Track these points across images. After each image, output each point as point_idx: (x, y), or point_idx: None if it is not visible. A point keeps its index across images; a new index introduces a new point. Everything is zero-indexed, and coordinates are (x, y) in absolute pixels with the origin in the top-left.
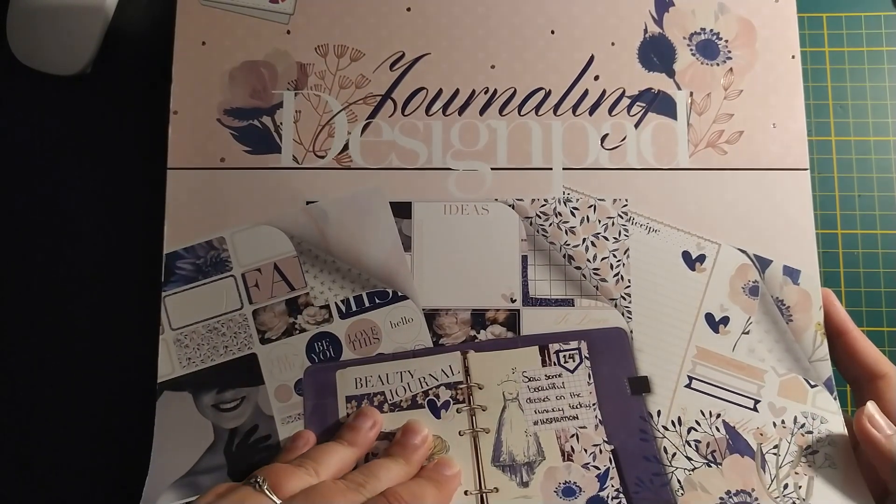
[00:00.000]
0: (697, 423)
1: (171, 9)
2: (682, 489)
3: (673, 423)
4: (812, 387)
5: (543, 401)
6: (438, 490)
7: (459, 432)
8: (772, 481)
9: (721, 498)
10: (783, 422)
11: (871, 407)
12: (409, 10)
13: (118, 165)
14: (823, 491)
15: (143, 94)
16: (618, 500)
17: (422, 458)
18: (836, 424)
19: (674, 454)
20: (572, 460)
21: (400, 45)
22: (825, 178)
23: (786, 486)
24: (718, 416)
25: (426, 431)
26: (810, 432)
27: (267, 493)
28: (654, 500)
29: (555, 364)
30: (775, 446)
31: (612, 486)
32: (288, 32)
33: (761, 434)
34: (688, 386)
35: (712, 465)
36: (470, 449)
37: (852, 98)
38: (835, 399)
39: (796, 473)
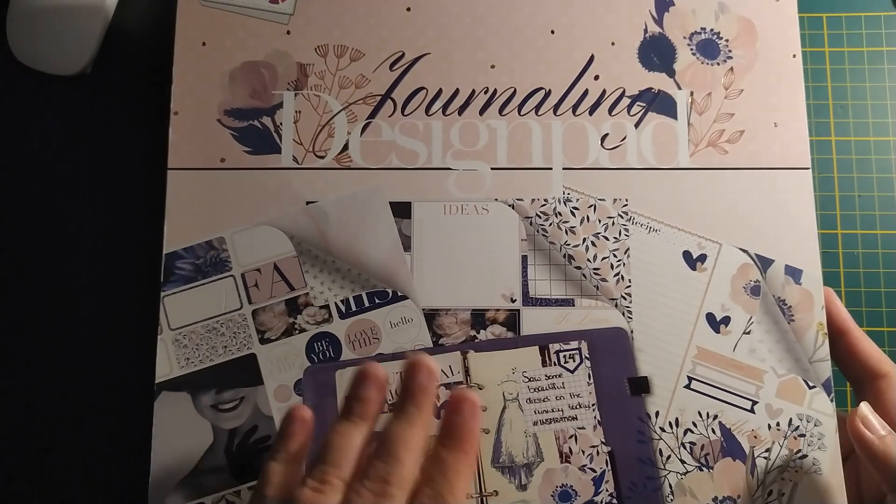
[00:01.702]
0: (694, 424)
1: (171, 9)
2: (672, 494)
3: (670, 423)
4: (810, 388)
5: (543, 401)
6: (466, 458)
7: None
8: (757, 488)
9: None
10: (778, 424)
11: (864, 408)
12: (408, 10)
13: (118, 165)
14: (804, 498)
15: (143, 94)
16: None
17: (433, 397)
18: (829, 427)
19: (668, 457)
20: (570, 462)
21: (400, 45)
22: (825, 178)
23: (770, 493)
24: (715, 417)
25: (431, 363)
26: (803, 435)
27: None
28: None
29: (555, 364)
30: (767, 450)
31: (607, 490)
32: (288, 33)
33: (755, 437)
34: (687, 387)
35: (704, 468)
36: None
37: (852, 98)
38: (831, 401)
39: (782, 479)
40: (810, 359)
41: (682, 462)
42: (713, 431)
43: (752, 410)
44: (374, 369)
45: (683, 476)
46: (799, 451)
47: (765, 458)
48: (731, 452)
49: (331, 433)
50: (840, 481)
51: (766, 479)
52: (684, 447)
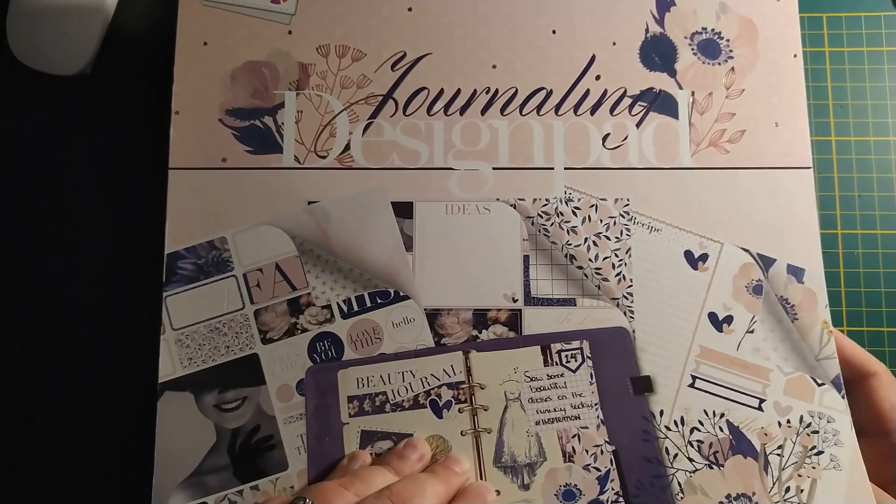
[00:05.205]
0: (700, 422)
1: (171, 9)
2: (682, 492)
3: (676, 422)
4: (819, 385)
5: (545, 401)
6: (445, 487)
7: (461, 432)
8: (773, 484)
9: (721, 502)
10: (788, 421)
11: None
12: (410, 10)
13: (118, 165)
14: (827, 493)
15: (143, 94)
16: None
17: (460, 483)
18: (843, 423)
19: (675, 455)
20: (573, 461)
21: (401, 44)
22: (825, 177)
23: (787, 490)
24: (722, 415)
25: (467, 465)
26: (816, 432)
27: None
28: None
29: (557, 364)
30: (779, 446)
31: (612, 489)
32: (289, 32)
33: (765, 434)
34: (691, 385)
35: (714, 466)
36: (472, 449)
37: (852, 98)
38: (842, 398)
39: (799, 476)
40: (817, 356)
41: (691, 460)
42: (721, 429)
43: (759, 408)
44: (421, 443)
45: (692, 474)
46: (814, 447)
47: (778, 454)
48: (742, 450)
49: (369, 468)
50: (863, 476)
51: (781, 475)
52: (692, 445)
